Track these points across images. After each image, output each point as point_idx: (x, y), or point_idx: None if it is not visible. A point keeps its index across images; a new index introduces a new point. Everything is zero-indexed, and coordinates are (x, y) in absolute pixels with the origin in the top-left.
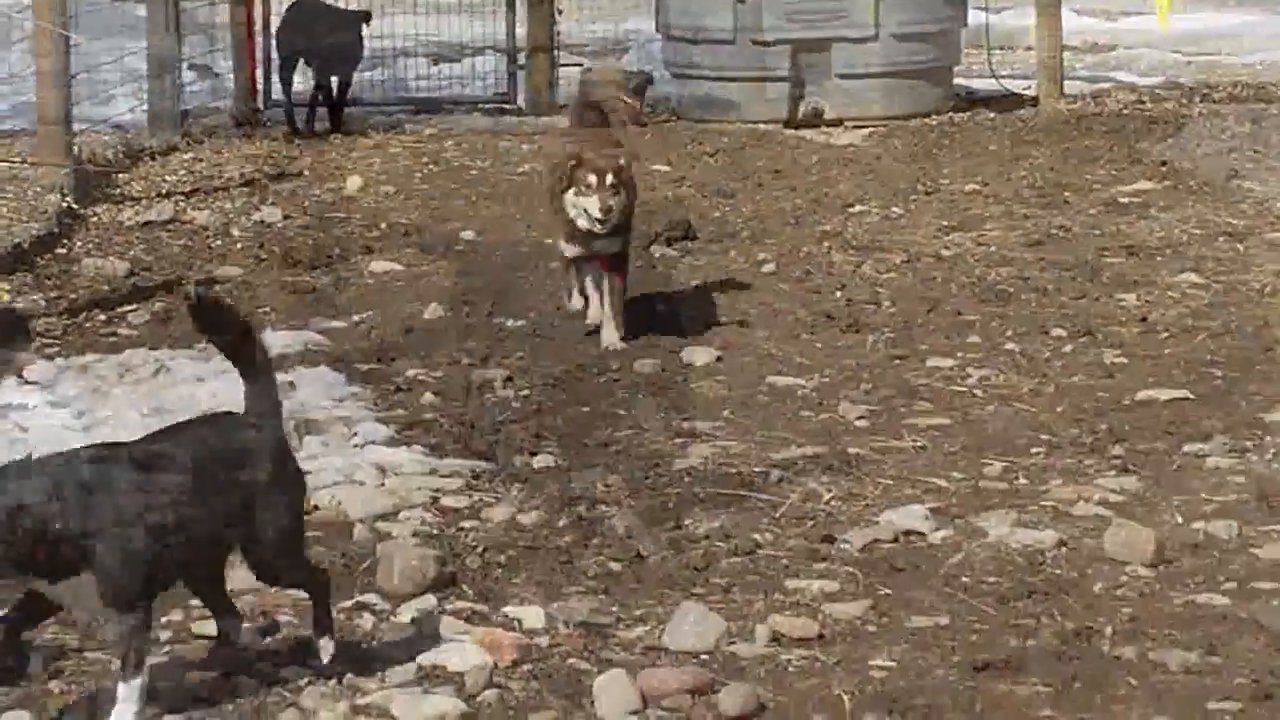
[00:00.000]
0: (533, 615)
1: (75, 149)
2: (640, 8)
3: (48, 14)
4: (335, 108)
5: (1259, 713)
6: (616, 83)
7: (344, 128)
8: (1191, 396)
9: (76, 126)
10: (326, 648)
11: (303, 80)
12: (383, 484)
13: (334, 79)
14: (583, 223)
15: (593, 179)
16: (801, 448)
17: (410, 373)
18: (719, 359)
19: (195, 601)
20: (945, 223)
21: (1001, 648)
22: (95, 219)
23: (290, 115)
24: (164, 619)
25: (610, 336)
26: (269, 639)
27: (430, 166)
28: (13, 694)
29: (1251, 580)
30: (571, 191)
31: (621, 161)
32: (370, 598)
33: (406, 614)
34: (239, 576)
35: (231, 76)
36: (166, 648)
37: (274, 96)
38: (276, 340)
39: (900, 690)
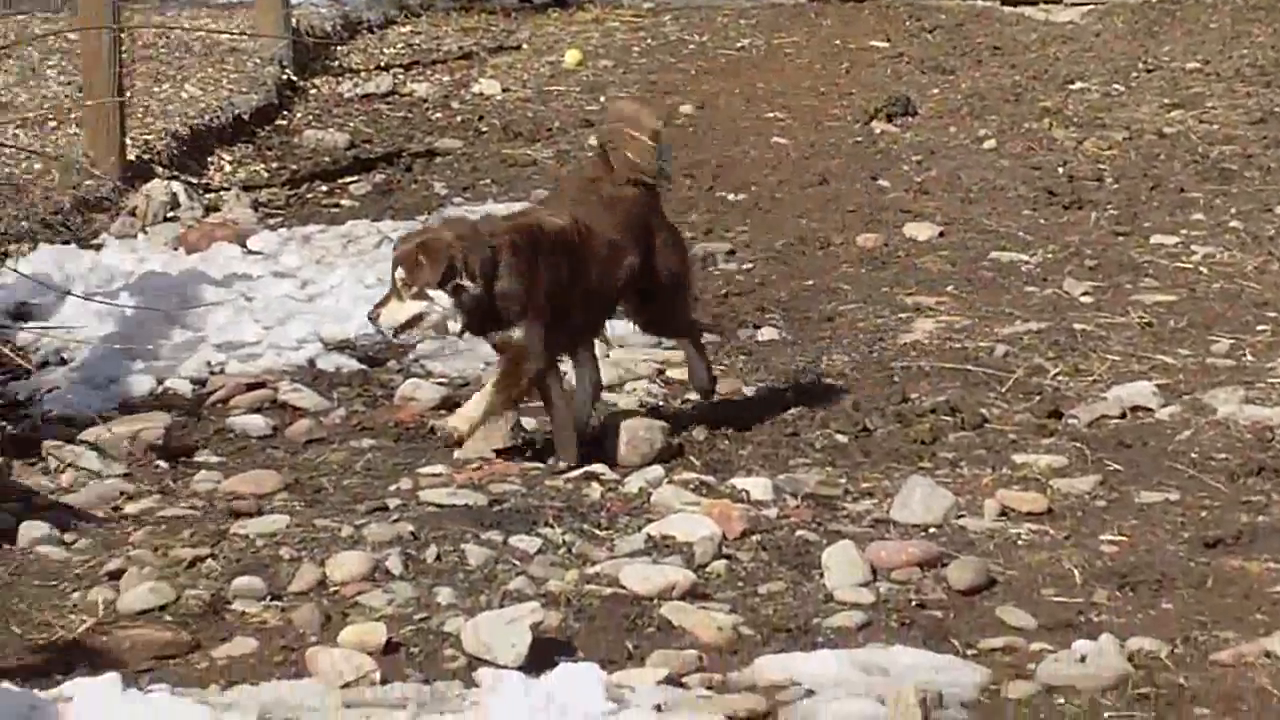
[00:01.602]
0: (760, 487)
1: (293, 21)
2: None
3: None
4: None
5: None
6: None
7: (563, 2)
8: None
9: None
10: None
11: None
12: (608, 355)
13: None
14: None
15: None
16: (1026, 323)
17: None
18: (941, 234)
19: (425, 469)
20: (1166, 100)
21: (1231, 524)
22: (314, 91)
23: None
24: (392, 487)
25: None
26: (499, 507)
27: (648, 41)
28: None
29: None
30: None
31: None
32: (598, 468)
33: (634, 484)
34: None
35: None
36: (395, 515)
37: None
38: (496, 212)
39: (1130, 565)
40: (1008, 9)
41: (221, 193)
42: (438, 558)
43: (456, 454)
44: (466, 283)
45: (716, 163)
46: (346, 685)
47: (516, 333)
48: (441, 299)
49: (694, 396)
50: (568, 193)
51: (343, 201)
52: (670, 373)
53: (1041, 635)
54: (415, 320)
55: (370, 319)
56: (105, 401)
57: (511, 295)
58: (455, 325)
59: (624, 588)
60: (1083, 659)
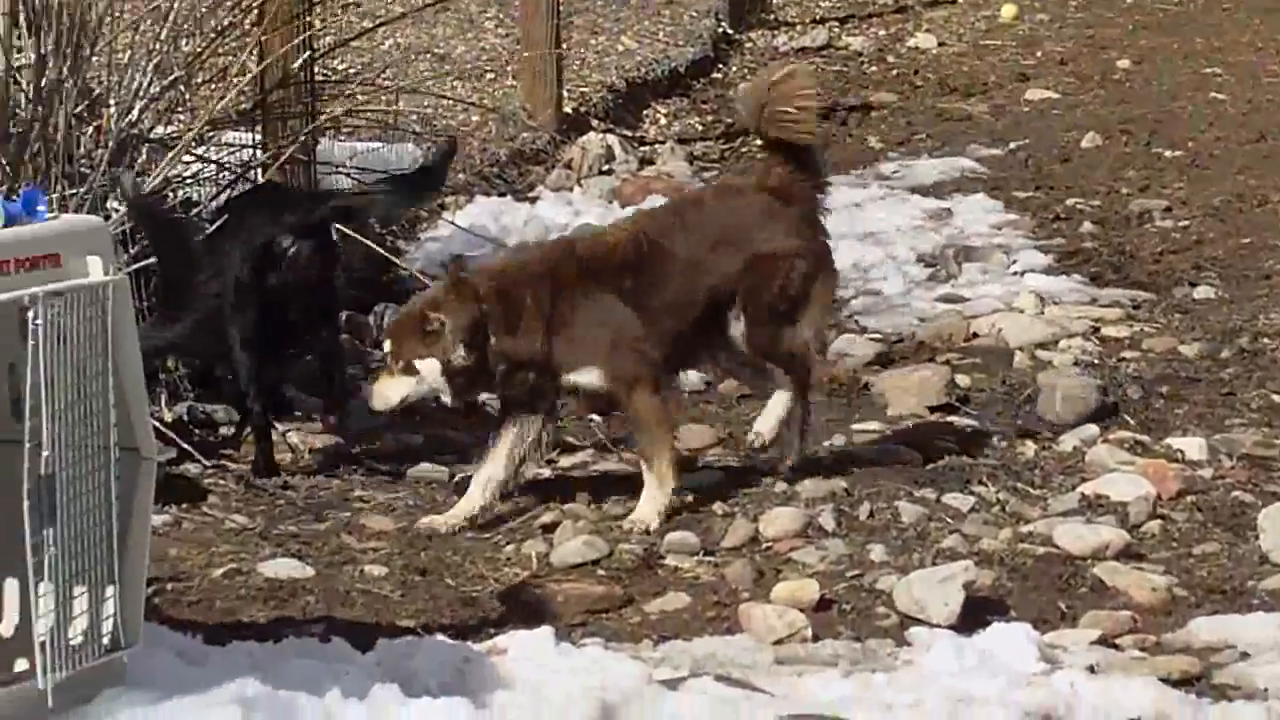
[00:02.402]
0: (1195, 446)
1: None
2: None
3: None
4: None
5: None
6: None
7: None
8: None
9: None
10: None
11: None
12: (1042, 313)
13: None
14: None
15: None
16: None
17: (1069, 201)
18: None
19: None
20: None
21: None
22: (749, 44)
23: None
24: (826, 443)
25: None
26: (933, 465)
27: None
28: None
29: None
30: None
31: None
32: (1031, 425)
33: (1068, 443)
34: None
35: None
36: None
37: None
38: (932, 167)
39: None
40: None
41: (656, 146)
42: (870, 515)
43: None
44: (455, 351)
45: (1154, 118)
46: (779, 641)
47: (584, 377)
48: (429, 369)
49: (1129, 355)
50: (671, 205)
51: None
52: (1106, 330)
53: None
54: (407, 398)
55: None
56: None
57: (521, 350)
58: (446, 397)
59: (1057, 547)
60: None
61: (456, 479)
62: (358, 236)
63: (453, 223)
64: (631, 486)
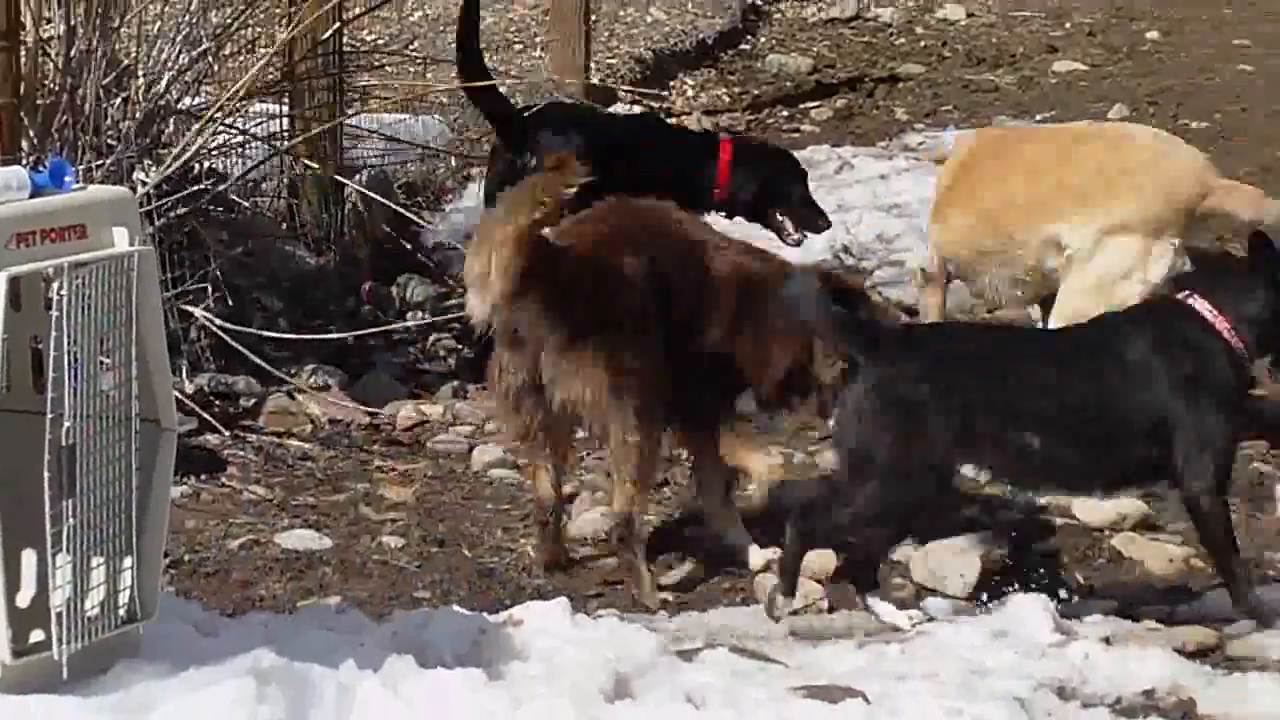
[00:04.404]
0: None
1: None
2: None
3: None
4: None
5: None
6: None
7: None
8: None
9: None
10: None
11: None
12: None
13: None
14: None
15: None
16: None
17: None
18: None
19: None
20: None
21: None
22: (779, 15)
23: None
24: None
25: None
26: None
27: None
28: None
29: None
30: None
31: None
32: None
33: None
34: None
35: None
36: None
37: None
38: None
39: None
40: None
41: (683, 117)
42: None
43: None
44: None
45: (1181, 90)
46: (794, 613)
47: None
48: None
49: None
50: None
51: (803, 126)
52: None
53: None
54: None
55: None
56: None
57: None
58: None
59: (1075, 518)
60: None
61: (474, 449)
62: (384, 201)
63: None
64: None
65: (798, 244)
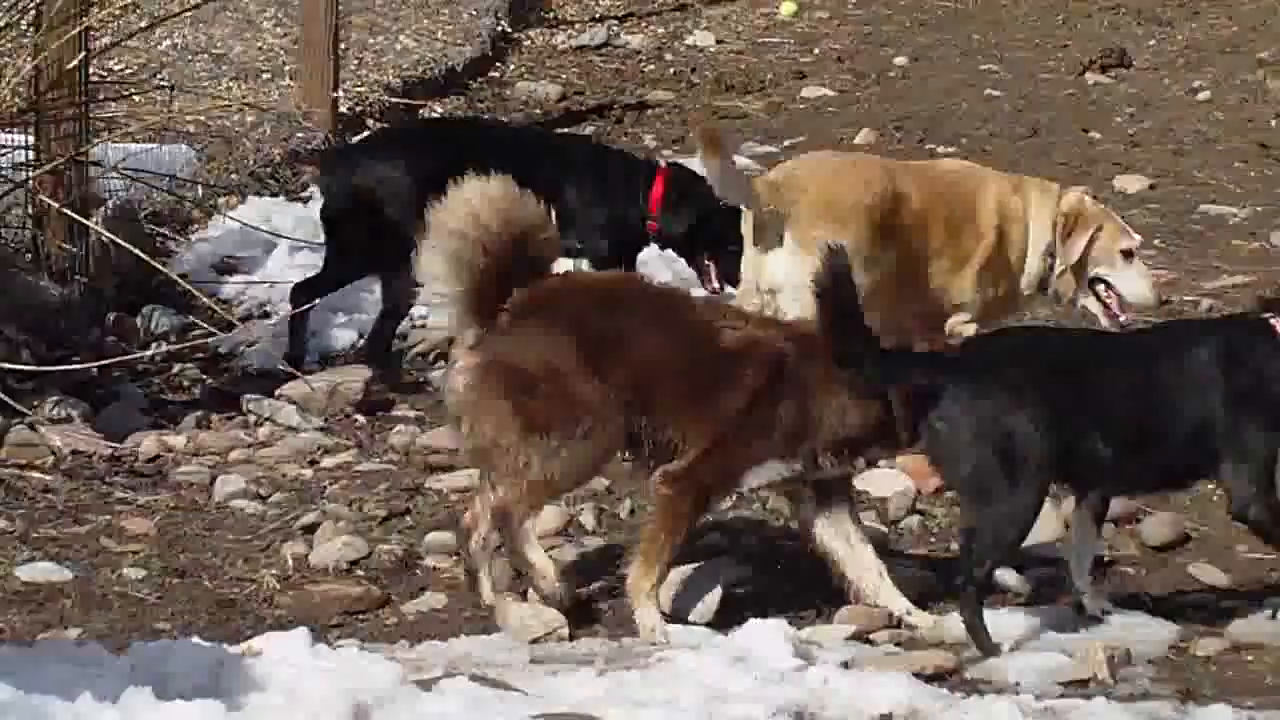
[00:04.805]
0: None
1: None
2: None
3: None
4: None
5: None
6: None
7: None
8: None
9: None
10: None
11: None
12: None
13: None
14: None
15: None
16: (1233, 277)
17: None
18: (1151, 187)
19: None
20: None
21: None
22: (528, 43)
23: None
24: None
25: None
26: None
27: None
28: None
29: None
30: None
31: None
32: None
33: None
34: None
35: None
36: None
37: None
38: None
39: None
40: None
41: None
42: (631, 512)
43: None
44: None
45: (928, 115)
46: (535, 640)
47: None
48: None
49: None
50: None
51: None
52: None
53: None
54: None
55: None
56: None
57: None
58: None
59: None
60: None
61: (216, 480)
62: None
63: (230, 216)
64: (393, 487)
65: (715, 293)
